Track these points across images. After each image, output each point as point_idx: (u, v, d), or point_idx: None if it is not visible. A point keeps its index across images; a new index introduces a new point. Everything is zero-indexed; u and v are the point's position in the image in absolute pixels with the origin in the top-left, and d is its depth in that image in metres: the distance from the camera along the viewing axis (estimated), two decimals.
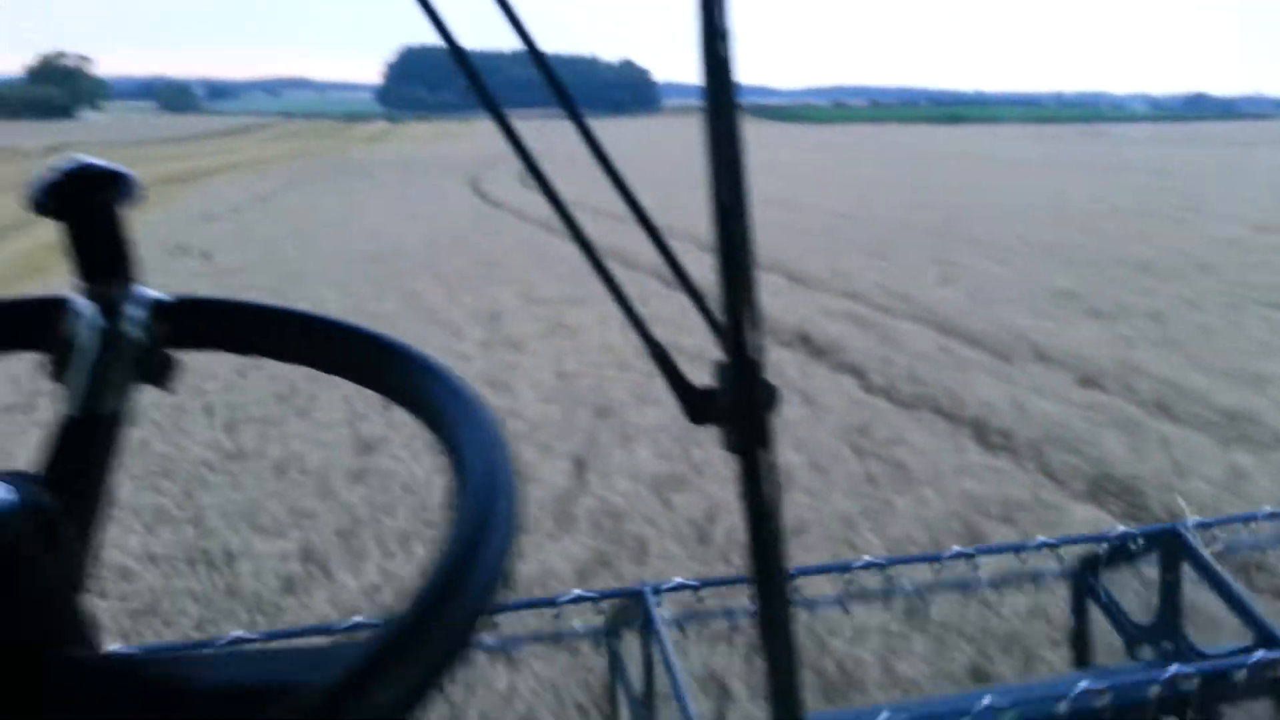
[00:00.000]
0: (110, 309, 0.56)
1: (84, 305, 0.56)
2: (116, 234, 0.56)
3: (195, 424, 4.56)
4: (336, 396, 4.73)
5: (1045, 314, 7.09)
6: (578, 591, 1.53)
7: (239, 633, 1.50)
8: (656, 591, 1.53)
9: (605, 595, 1.57)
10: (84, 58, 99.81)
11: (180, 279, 8.79)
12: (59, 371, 0.57)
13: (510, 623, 1.74)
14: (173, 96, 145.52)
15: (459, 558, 0.40)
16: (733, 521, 3.26)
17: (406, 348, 0.56)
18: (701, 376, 0.70)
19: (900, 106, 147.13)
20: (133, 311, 0.57)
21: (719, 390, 0.66)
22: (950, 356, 5.86)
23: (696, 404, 0.67)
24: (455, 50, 0.65)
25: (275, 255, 10.18)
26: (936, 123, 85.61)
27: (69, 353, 0.56)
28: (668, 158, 22.02)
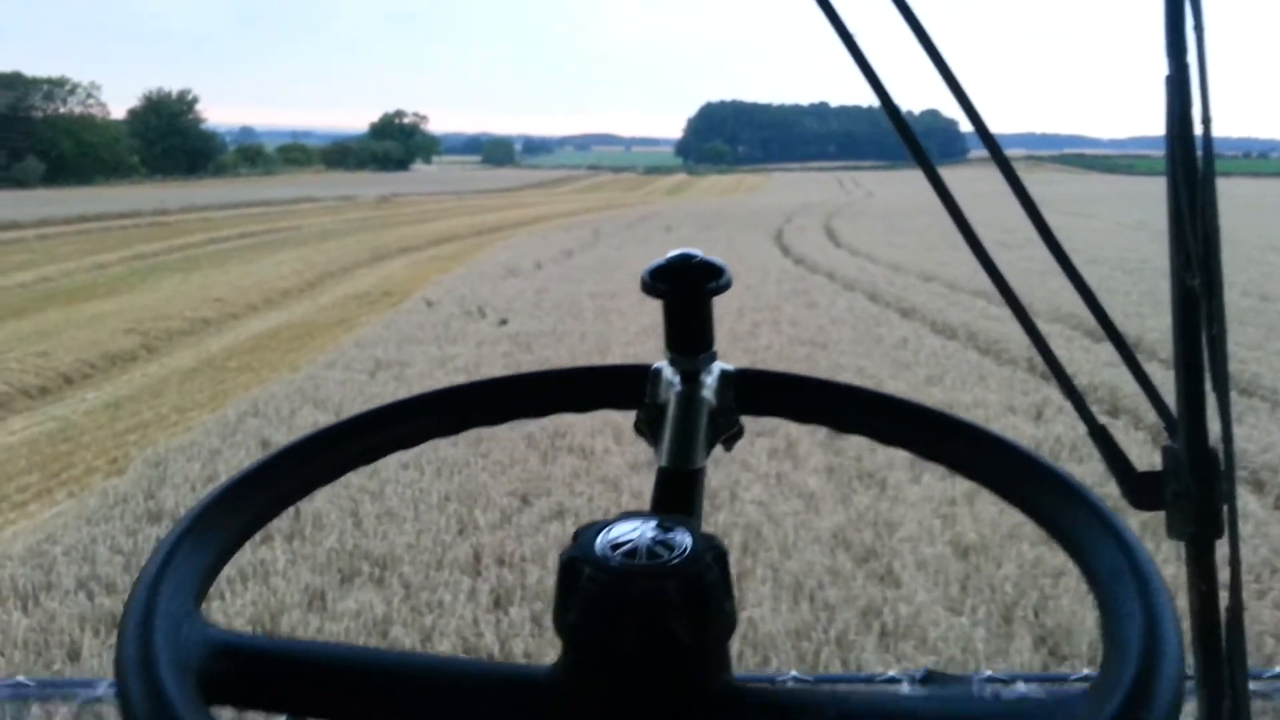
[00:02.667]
0: (690, 377, 0.63)
1: (670, 373, 0.64)
2: (702, 314, 0.62)
3: None
4: None
5: None
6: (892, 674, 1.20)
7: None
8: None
9: (931, 676, 1.24)
10: (420, 115, 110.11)
11: (469, 349, 7.94)
12: (650, 429, 0.63)
13: None
14: (494, 151, 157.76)
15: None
16: None
17: (991, 435, 0.57)
18: None
19: (1248, 160, 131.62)
20: (708, 380, 0.64)
21: (1165, 474, 0.61)
22: None
23: (1138, 488, 0.62)
24: (886, 103, 0.63)
25: (574, 323, 9.15)
26: None
27: (659, 413, 0.63)
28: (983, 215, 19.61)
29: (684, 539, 0.44)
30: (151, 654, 0.41)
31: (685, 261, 0.61)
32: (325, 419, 6.01)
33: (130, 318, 11.30)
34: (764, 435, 5.06)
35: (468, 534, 3.86)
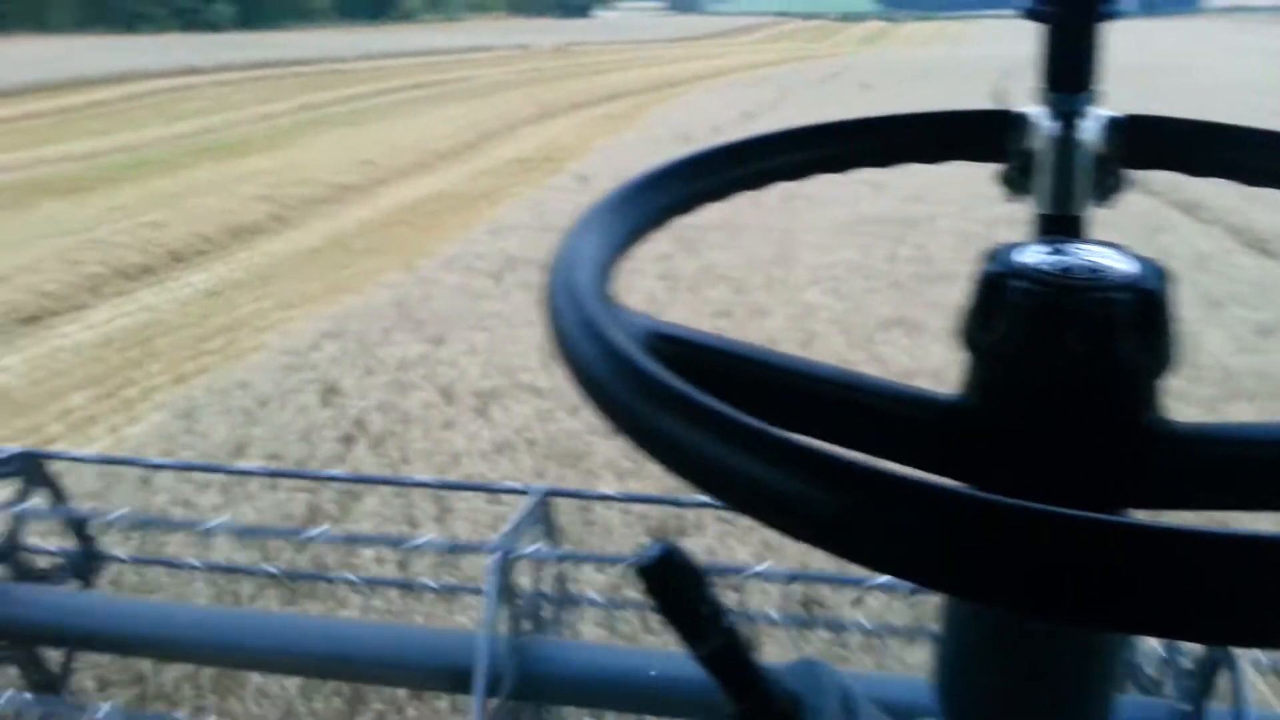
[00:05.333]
0: (1068, 121, 0.58)
1: (1041, 117, 0.59)
2: (1089, 47, 0.57)
3: None
4: None
5: None
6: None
7: None
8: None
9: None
10: None
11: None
12: (1018, 180, 0.60)
13: None
14: None
15: None
16: None
17: None
18: None
19: None
20: (1089, 125, 0.58)
21: None
22: None
23: None
24: None
25: (751, 212, 7.30)
26: None
27: (1028, 162, 0.59)
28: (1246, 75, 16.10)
29: (1122, 257, 0.40)
30: (598, 320, 0.39)
31: None
32: (418, 350, 4.72)
33: (270, 180, 10.36)
34: None
35: None
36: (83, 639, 1.83)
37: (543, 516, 1.70)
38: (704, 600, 0.44)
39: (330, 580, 2.33)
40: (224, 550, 2.65)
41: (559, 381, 3.91)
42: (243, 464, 3.06)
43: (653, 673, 1.52)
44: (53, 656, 2.00)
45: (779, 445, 0.31)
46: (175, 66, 24.84)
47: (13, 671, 1.90)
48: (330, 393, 3.87)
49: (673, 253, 5.84)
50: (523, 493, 1.75)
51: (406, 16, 69.03)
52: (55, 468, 1.99)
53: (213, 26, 46.74)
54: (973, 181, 7.83)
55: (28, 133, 14.53)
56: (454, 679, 1.53)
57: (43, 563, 2.00)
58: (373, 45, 35.76)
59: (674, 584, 0.43)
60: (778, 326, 4.58)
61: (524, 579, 1.64)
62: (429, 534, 2.68)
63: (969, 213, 7.05)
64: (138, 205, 9.00)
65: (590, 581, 2.35)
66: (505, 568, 1.52)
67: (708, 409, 0.33)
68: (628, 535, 2.74)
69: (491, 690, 1.43)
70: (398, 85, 22.44)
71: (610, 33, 52.80)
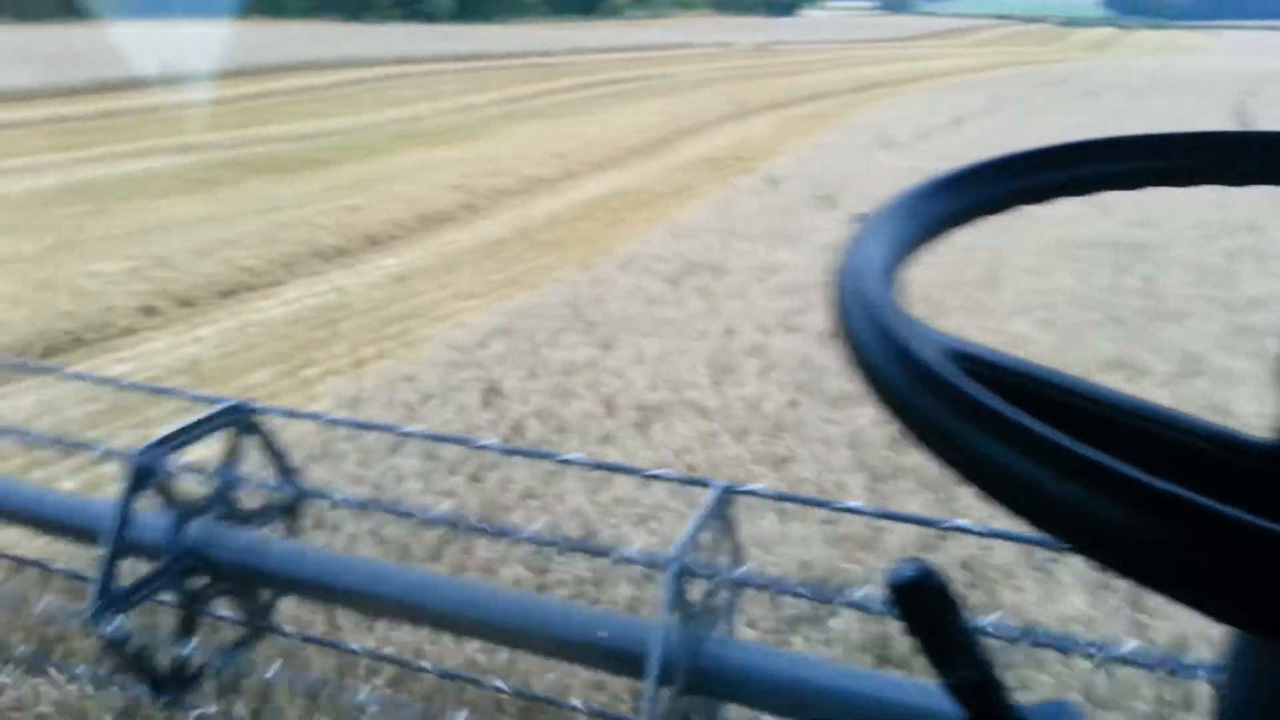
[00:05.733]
0: None
1: None
2: None
3: None
4: None
5: None
6: None
7: None
8: None
9: None
10: None
11: (804, 255, 6.01)
12: None
13: None
14: None
15: None
16: None
17: None
18: None
19: None
20: None
21: None
22: None
23: None
24: None
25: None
26: None
27: None
28: None
29: None
30: (905, 339, 0.39)
31: None
32: (584, 354, 4.54)
33: (466, 170, 10.55)
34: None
35: None
36: (285, 582, 1.99)
37: (721, 514, 1.70)
38: (958, 627, 0.42)
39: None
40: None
41: (727, 402, 3.63)
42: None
43: (826, 682, 1.51)
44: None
45: (1126, 482, 0.31)
46: (392, 55, 26.06)
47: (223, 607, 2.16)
48: (492, 393, 3.74)
49: None
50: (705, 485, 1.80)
51: (614, 13, 70.21)
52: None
53: (430, 18, 48.97)
54: (1214, 206, 6.98)
55: (249, 113, 15.51)
56: (628, 663, 1.55)
57: (253, 508, 2.19)
58: (577, 40, 36.49)
59: (928, 607, 0.42)
60: None
61: (700, 583, 1.64)
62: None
63: (1210, 242, 6.25)
64: (340, 188, 9.34)
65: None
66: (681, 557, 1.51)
67: (1044, 439, 0.33)
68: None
69: (664, 680, 1.45)
70: (598, 80, 22.72)
71: (816, 32, 51.84)
